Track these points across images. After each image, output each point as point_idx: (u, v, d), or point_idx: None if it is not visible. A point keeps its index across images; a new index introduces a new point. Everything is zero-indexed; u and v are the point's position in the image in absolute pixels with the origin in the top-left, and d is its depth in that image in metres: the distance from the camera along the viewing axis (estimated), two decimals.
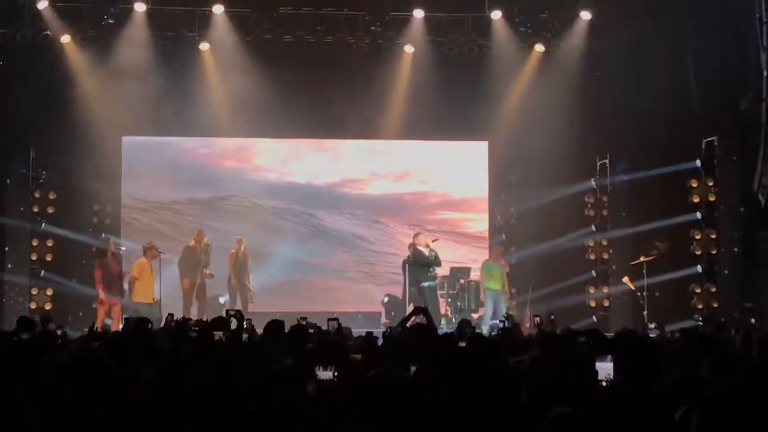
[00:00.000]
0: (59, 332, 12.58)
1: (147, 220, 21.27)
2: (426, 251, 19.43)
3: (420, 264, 19.39)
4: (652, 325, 16.76)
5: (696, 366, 5.93)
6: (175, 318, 13.36)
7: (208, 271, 19.63)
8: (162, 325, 13.15)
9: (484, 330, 17.58)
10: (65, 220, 20.02)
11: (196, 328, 9.30)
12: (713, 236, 18.70)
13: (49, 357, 5.56)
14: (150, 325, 9.38)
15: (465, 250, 21.98)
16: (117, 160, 21.00)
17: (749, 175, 17.66)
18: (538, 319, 14.06)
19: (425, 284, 19.24)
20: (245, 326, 10.78)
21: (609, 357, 6.04)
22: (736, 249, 18.32)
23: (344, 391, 5.90)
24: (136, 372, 5.81)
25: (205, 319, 13.40)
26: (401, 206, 22.13)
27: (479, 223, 22.28)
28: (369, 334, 9.38)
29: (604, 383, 6.14)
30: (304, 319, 11.26)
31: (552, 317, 14.43)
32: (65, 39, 19.51)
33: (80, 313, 19.44)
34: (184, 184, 21.48)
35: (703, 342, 7.23)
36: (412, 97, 20.79)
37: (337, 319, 10.17)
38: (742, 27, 18.09)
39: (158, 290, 18.39)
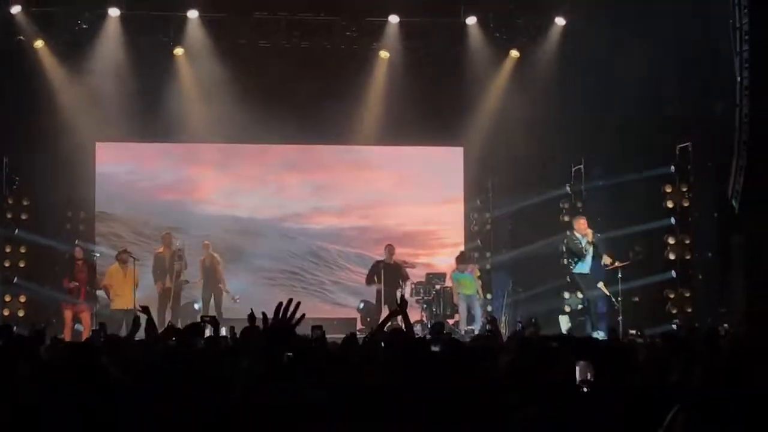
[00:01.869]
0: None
1: (121, 225, 21.16)
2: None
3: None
4: (632, 331, 16.77)
5: (667, 370, 5.95)
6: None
7: (183, 278, 19.44)
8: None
9: (462, 331, 17.65)
10: (39, 226, 19.87)
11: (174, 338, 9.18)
12: (687, 241, 18.77)
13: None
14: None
15: (440, 256, 21.97)
16: (91, 165, 20.90)
17: (723, 181, 17.72)
18: (519, 324, 14.07)
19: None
20: (229, 333, 10.72)
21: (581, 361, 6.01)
22: (710, 254, 18.38)
23: (324, 395, 5.87)
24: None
25: (178, 326, 13.30)
26: (375, 212, 22.10)
27: (455, 227, 22.27)
28: (352, 335, 9.30)
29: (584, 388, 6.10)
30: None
31: (534, 321, 14.42)
32: (39, 44, 19.42)
33: (54, 320, 19.30)
34: (158, 189, 21.39)
35: (674, 346, 7.26)
36: (387, 103, 20.80)
37: (321, 327, 10.09)
38: (715, 32, 18.16)
39: (139, 296, 18.32)
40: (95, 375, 5.34)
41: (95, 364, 5.49)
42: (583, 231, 17.87)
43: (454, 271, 19.94)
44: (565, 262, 18.45)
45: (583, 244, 17.78)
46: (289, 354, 8.28)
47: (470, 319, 19.38)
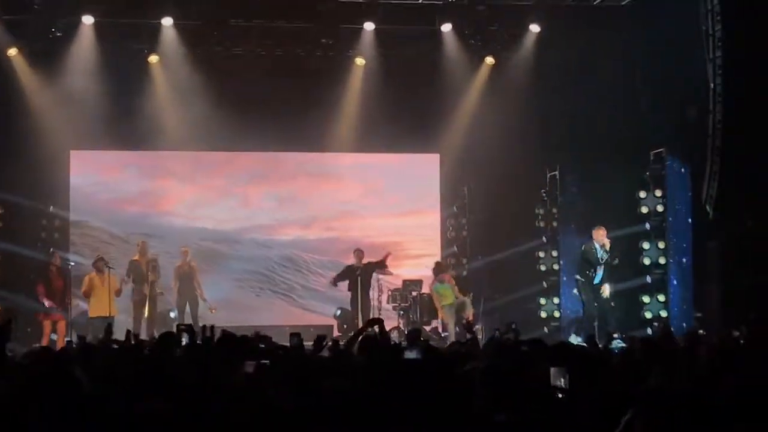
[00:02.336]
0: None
1: (96, 234, 21.07)
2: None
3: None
4: (616, 335, 16.79)
5: (642, 374, 5.97)
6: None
7: (159, 290, 19.32)
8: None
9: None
10: (13, 235, 19.76)
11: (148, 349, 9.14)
12: (662, 247, 18.85)
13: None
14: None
15: (417, 262, 21.97)
16: (65, 174, 20.82)
17: (697, 187, 17.82)
18: (497, 331, 14.05)
19: None
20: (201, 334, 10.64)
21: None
22: (684, 260, 18.46)
23: (299, 403, 5.87)
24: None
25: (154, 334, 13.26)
26: (351, 221, 22.09)
27: (431, 234, 22.29)
28: (321, 337, 9.27)
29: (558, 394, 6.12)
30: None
31: (513, 326, 14.40)
32: (12, 52, 19.33)
33: (28, 329, 19.16)
34: (132, 197, 21.31)
35: (649, 351, 7.29)
36: (363, 110, 20.83)
37: (299, 334, 10.03)
38: (688, 38, 18.28)
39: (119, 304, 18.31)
40: (67, 385, 5.32)
41: (67, 375, 5.46)
42: (601, 241, 17.92)
43: (433, 283, 19.83)
44: (578, 275, 18.45)
45: (600, 254, 17.86)
46: (265, 362, 8.28)
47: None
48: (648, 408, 3.73)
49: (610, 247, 17.83)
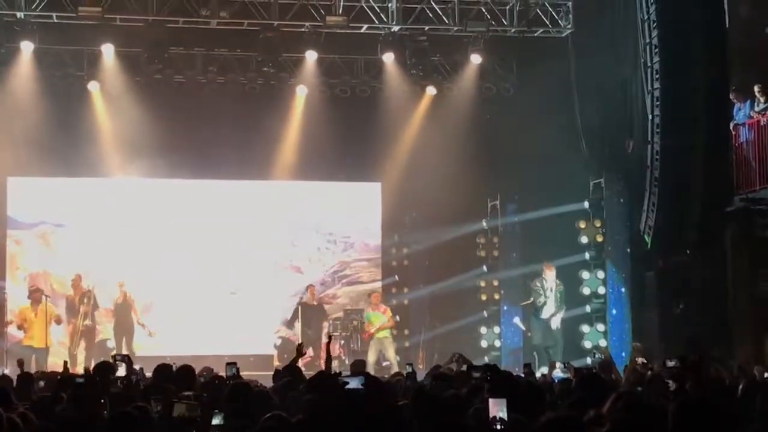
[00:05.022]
0: None
1: (33, 262, 20.77)
2: None
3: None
4: (559, 365, 16.83)
5: (581, 405, 5.98)
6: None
7: (87, 322, 19.13)
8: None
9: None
10: None
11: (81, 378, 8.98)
12: (601, 277, 18.99)
13: None
14: None
15: (359, 290, 21.89)
16: (2, 201, 20.52)
17: (636, 217, 18.01)
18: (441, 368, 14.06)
19: None
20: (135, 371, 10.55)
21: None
22: (623, 289, 18.61)
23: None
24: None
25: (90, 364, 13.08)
26: (291, 249, 21.99)
27: (372, 263, 22.25)
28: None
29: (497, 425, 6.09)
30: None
31: (458, 356, 14.39)
32: None
33: None
34: (70, 226, 21.03)
35: (587, 381, 7.33)
36: (304, 139, 20.81)
37: (235, 363, 9.94)
38: (627, 70, 18.52)
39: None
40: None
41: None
42: (550, 277, 18.36)
43: (366, 311, 19.79)
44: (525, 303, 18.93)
45: (549, 285, 18.23)
46: (203, 395, 8.19)
47: (378, 364, 19.15)
48: None
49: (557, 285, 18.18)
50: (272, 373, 11.47)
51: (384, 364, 19.13)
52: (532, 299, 18.58)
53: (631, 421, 4.80)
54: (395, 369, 18.52)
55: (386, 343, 19.20)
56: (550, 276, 18.40)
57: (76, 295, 19.24)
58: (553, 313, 18.26)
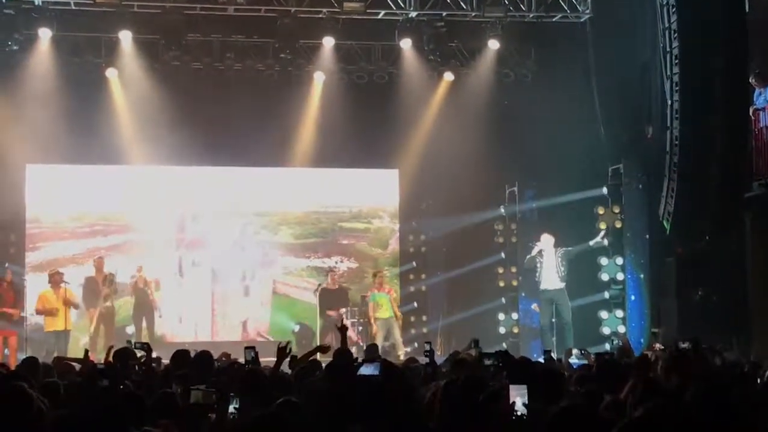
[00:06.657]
0: None
1: (52, 248, 20.84)
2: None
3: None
4: (575, 351, 16.81)
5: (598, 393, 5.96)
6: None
7: (108, 303, 19.17)
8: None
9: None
10: None
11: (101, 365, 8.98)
12: (620, 263, 18.93)
13: None
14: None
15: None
16: (21, 188, 20.58)
17: (655, 203, 17.93)
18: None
19: None
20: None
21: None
22: (642, 275, 18.55)
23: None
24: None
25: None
26: (311, 236, 22.00)
27: (390, 250, 22.24)
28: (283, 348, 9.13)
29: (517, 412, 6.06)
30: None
31: (475, 342, 14.34)
32: None
33: None
34: (90, 212, 21.09)
35: (606, 367, 7.29)
36: (322, 125, 20.79)
37: (254, 348, 9.92)
38: (646, 55, 18.43)
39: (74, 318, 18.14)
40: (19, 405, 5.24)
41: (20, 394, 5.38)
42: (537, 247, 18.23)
43: (372, 291, 19.58)
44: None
45: (536, 264, 18.14)
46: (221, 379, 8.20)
47: (390, 344, 19.07)
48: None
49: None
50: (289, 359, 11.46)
51: (385, 344, 18.84)
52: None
53: (658, 409, 4.74)
54: (401, 349, 18.59)
55: (392, 321, 19.18)
56: (539, 246, 18.16)
57: (99, 276, 19.26)
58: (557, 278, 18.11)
